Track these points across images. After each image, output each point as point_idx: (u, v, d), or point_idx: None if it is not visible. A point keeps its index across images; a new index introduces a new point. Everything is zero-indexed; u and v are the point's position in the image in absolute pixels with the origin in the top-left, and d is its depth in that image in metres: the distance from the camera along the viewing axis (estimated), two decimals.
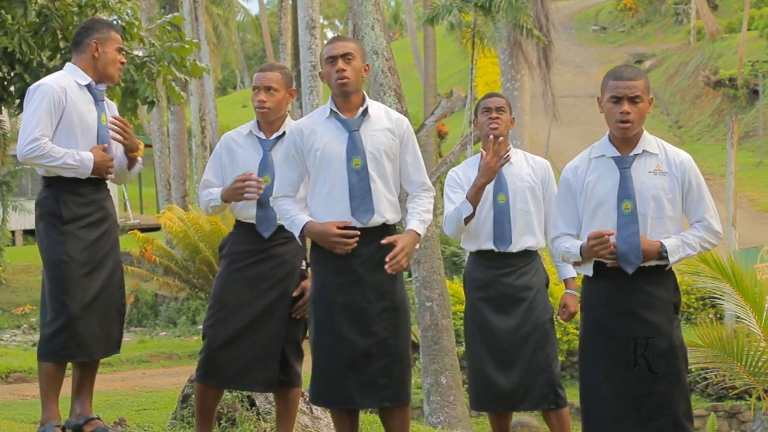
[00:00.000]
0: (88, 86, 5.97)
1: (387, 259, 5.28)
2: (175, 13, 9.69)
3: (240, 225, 5.97)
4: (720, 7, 49.72)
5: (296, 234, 5.43)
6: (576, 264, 5.36)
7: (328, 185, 5.38)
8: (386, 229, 5.40)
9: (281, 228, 5.72)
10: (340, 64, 5.37)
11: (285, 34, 28.06)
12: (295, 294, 5.82)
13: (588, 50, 50.86)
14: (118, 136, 5.97)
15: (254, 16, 67.48)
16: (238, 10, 62.12)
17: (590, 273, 5.28)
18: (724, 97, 38.94)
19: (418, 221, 5.46)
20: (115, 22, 8.60)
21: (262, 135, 5.93)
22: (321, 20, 34.95)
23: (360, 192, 5.34)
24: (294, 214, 5.42)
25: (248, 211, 5.89)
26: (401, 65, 18.56)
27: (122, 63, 6.12)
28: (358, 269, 5.35)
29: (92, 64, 5.99)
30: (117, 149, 6.08)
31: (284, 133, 5.85)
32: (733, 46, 40.48)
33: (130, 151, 6.08)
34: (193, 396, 6.12)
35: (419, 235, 5.44)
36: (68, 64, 6.06)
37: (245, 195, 5.74)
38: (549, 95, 26.60)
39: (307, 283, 5.72)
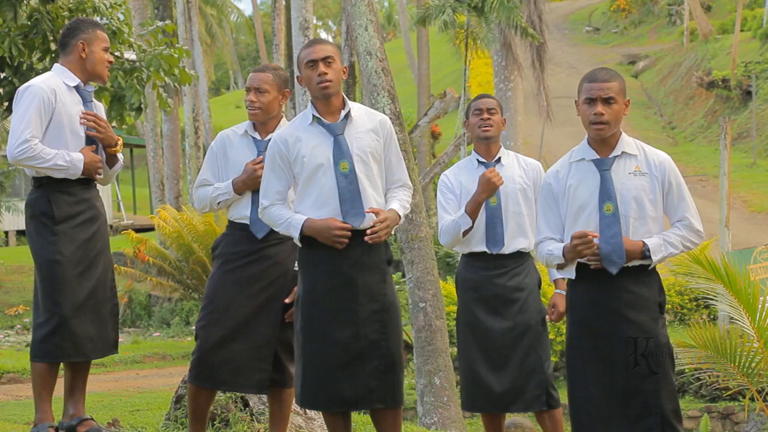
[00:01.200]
0: (77, 87, 5.97)
1: (368, 231, 5.28)
2: (167, 21, 9.67)
3: (233, 225, 5.97)
4: (713, 8, 49.77)
5: (295, 235, 5.38)
6: (559, 267, 5.37)
7: (317, 191, 5.37)
8: None
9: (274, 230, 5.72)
10: (322, 67, 5.36)
11: (278, 34, 28.04)
12: (287, 301, 5.81)
13: (581, 51, 50.88)
14: (92, 131, 5.95)
15: (248, 17, 67.45)
16: (231, 10, 62.08)
17: (572, 275, 5.31)
18: (717, 98, 38.95)
19: (399, 205, 5.46)
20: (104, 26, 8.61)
21: (257, 135, 5.93)
22: (314, 21, 34.92)
23: (350, 195, 5.33)
24: (288, 216, 5.40)
25: (242, 212, 5.90)
26: (395, 66, 18.58)
27: (110, 62, 6.11)
28: (348, 271, 5.34)
29: (80, 64, 5.98)
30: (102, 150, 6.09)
31: None
32: (726, 47, 40.50)
33: (107, 146, 6.04)
34: (186, 397, 6.12)
35: (400, 217, 5.43)
36: (56, 65, 6.06)
37: None
38: (543, 96, 26.62)
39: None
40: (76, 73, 5.98)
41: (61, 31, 6.24)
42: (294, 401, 5.72)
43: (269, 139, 5.84)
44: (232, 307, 5.78)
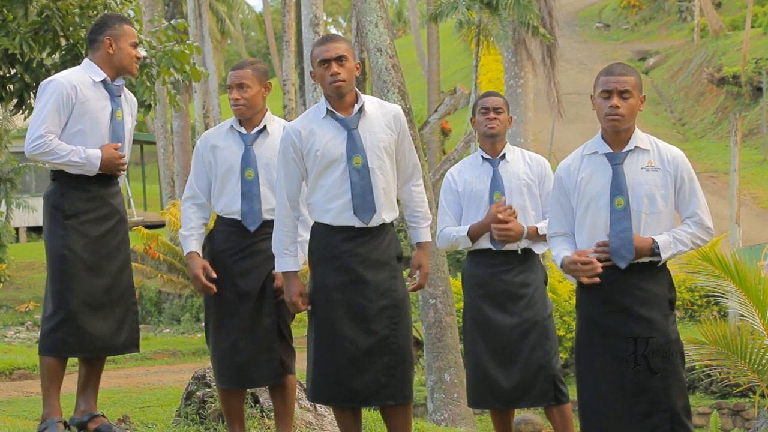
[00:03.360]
0: (104, 82, 5.96)
1: (411, 287, 5.57)
2: (180, 19, 9.67)
3: (222, 221, 5.91)
4: (723, 4, 49.66)
5: (277, 267, 5.53)
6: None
7: (329, 184, 5.37)
8: (385, 227, 5.42)
9: (266, 223, 5.73)
10: (335, 67, 5.35)
11: (289, 31, 28.09)
12: (277, 284, 5.78)
13: (591, 47, 50.83)
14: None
15: (258, 13, 67.49)
16: (241, 6, 62.10)
17: (574, 282, 5.37)
18: (727, 94, 38.91)
19: (425, 228, 5.67)
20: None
21: (243, 130, 5.91)
22: (324, 18, 34.93)
23: (361, 191, 5.34)
24: (293, 256, 5.48)
25: (231, 207, 5.85)
26: (405, 62, 18.56)
27: (138, 57, 6.10)
28: (358, 268, 5.35)
29: (108, 60, 5.96)
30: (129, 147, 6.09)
31: (265, 127, 5.86)
32: (737, 43, 40.44)
33: None
34: (218, 402, 6.19)
35: (430, 242, 5.73)
36: (86, 60, 6.04)
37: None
38: (553, 92, 26.59)
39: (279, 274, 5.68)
40: (104, 68, 5.95)
41: (75, 30, 6.24)
42: (301, 395, 5.73)
43: (255, 132, 5.85)
44: (232, 310, 5.79)
